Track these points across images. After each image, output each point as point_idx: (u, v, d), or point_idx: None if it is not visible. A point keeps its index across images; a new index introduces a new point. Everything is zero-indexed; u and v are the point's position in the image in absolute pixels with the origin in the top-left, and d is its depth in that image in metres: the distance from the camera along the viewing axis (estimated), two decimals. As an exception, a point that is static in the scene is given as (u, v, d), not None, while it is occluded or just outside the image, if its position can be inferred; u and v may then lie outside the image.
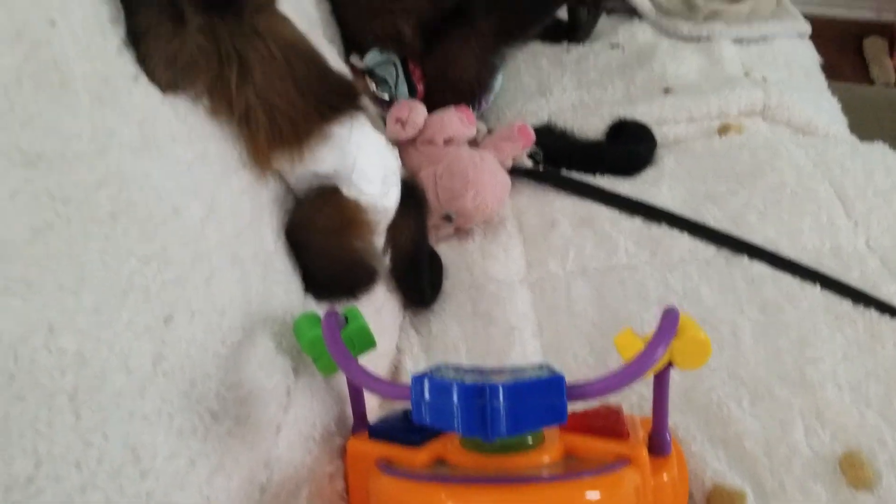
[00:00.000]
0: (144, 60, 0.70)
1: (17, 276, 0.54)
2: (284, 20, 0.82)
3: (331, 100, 0.83)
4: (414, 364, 0.97)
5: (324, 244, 0.88)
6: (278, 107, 0.79)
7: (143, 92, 0.68)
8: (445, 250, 1.13)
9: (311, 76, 0.81)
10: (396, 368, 0.98)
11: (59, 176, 0.58)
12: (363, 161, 0.86)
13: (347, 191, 0.86)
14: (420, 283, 1.03)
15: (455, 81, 1.27)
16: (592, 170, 1.23)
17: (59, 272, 0.56)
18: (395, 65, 1.27)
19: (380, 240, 0.93)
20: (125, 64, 0.67)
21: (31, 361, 0.53)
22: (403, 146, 1.19)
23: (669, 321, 0.63)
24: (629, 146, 1.29)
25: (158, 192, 0.66)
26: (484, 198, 1.10)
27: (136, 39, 0.70)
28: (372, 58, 1.27)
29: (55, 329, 0.55)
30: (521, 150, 1.20)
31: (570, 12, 1.53)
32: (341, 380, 0.81)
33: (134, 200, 0.63)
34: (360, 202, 0.87)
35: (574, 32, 1.52)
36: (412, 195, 0.97)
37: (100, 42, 0.65)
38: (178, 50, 0.72)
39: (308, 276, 0.88)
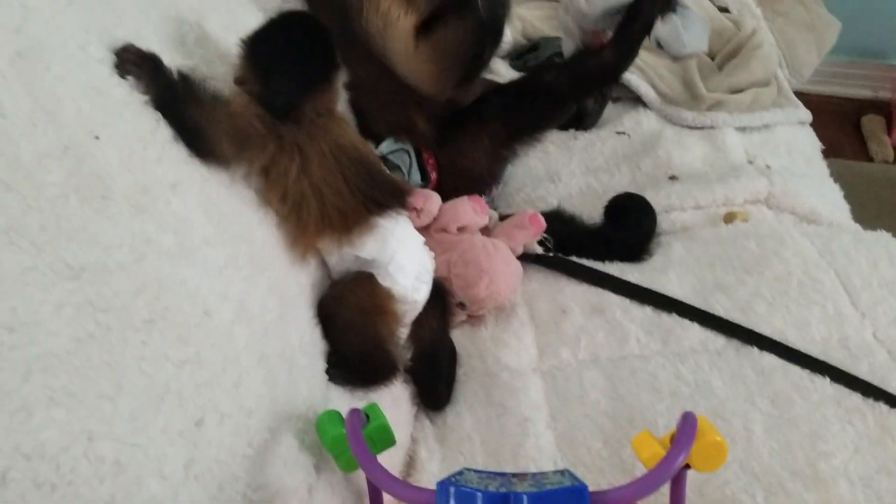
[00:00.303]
0: (208, 133, 0.77)
1: (60, 387, 0.56)
2: (343, 123, 0.92)
3: (378, 197, 0.90)
4: (429, 454, 0.98)
5: (351, 321, 0.93)
6: (329, 198, 0.87)
7: (181, 199, 0.70)
8: (458, 337, 1.15)
9: (361, 175, 0.89)
10: (411, 458, 0.99)
11: (100, 286, 0.61)
12: (401, 255, 0.93)
13: (382, 279, 0.92)
14: (436, 383, 1.04)
15: (467, 173, 1.29)
16: (601, 257, 1.26)
17: (98, 381, 0.58)
18: (408, 153, 1.30)
19: (404, 332, 0.96)
20: (164, 173, 0.70)
21: (72, 471, 0.55)
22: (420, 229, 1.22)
23: (689, 427, 0.65)
24: (632, 230, 1.32)
25: (192, 296, 0.68)
26: (497, 286, 1.13)
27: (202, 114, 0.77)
28: (386, 146, 1.31)
29: (94, 437, 0.57)
30: (533, 238, 1.23)
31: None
32: (361, 475, 0.82)
33: (169, 306, 0.65)
34: (392, 291, 0.92)
35: (581, 120, 1.56)
36: (440, 295, 1.01)
37: (140, 153, 0.69)
38: (241, 127, 0.80)
39: (332, 355, 0.92)
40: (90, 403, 0.57)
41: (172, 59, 0.77)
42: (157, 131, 0.71)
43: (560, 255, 1.27)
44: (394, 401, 0.98)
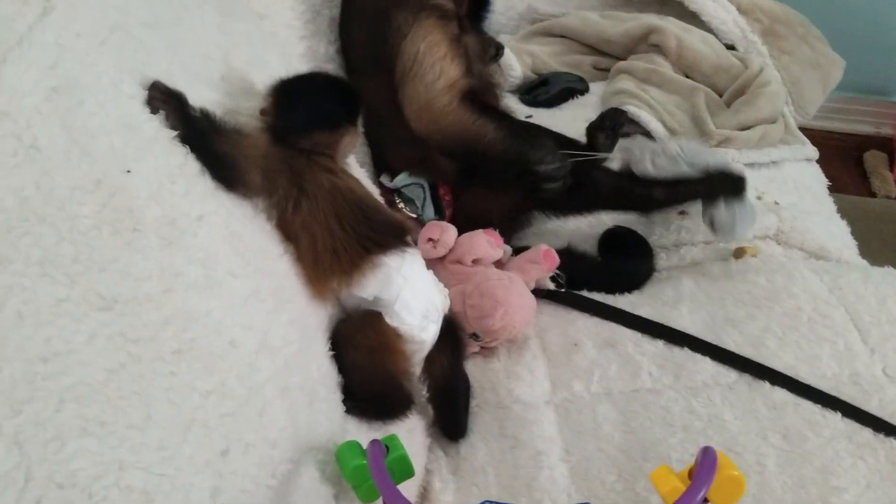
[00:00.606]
0: (237, 163, 0.80)
1: (92, 417, 0.57)
2: (344, 168, 0.94)
3: (376, 237, 0.90)
4: (443, 485, 0.99)
5: (360, 361, 0.93)
6: (320, 237, 0.87)
7: (207, 232, 0.72)
8: (470, 369, 1.15)
9: (356, 215, 0.89)
10: (425, 489, 1.00)
11: (131, 317, 0.62)
12: (407, 293, 0.92)
13: (389, 318, 0.91)
14: (455, 417, 1.05)
15: (481, 219, 1.29)
16: (611, 290, 1.27)
17: (129, 410, 0.59)
18: (422, 187, 1.32)
19: (416, 370, 0.97)
20: (191, 206, 0.71)
21: (104, 500, 0.56)
22: (431, 264, 1.23)
23: (709, 462, 0.66)
24: (632, 260, 1.34)
25: (218, 328, 0.69)
26: (512, 318, 1.14)
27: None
28: (401, 179, 1.33)
29: (124, 467, 0.58)
30: (546, 274, 1.24)
31: (589, 136, 1.59)
32: (378, 506, 0.83)
33: (196, 337, 0.67)
34: (399, 331, 0.92)
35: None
36: (452, 331, 1.01)
37: (168, 186, 0.70)
38: (266, 160, 0.83)
39: (347, 388, 0.92)
40: (121, 433, 0.58)
41: (200, 94, 0.78)
42: (184, 166, 0.73)
43: (571, 290, 1.28)
44: (408, 432, 0.98)
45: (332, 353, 0.91)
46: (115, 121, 0.68)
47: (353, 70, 1.37)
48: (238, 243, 0.76)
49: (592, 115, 1.64)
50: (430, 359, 0.99)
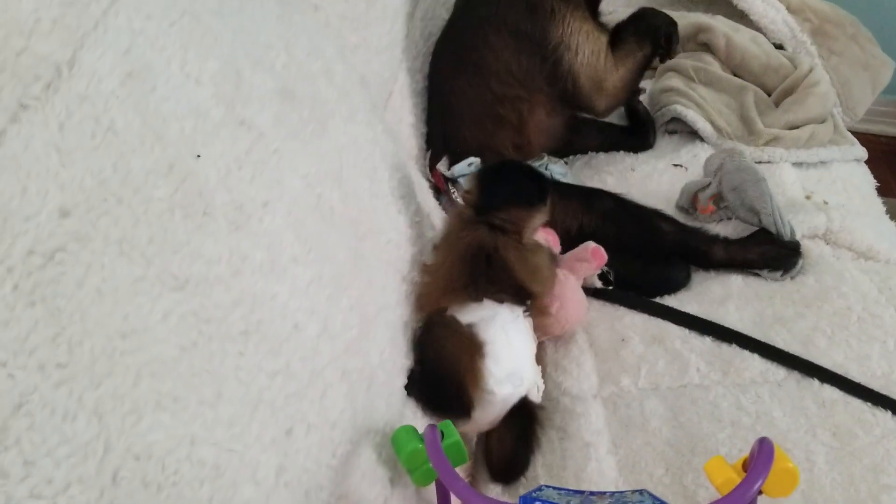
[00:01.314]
0: None
1: (167, 392, 0.59)
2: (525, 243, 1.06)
3: (495, 288, 1.00)
4: (488, 476, 1.00)
5: (442, 355, 0.94)
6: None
7: (271, 218, 0.73)
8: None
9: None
10: (473, 479, 1.01)
11: (202, 297, 0.64)
12: (498, 345, 0.96)
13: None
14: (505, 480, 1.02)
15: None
16: (656, 292, 1.28)
17: (200, 387, 0.61)
18: None
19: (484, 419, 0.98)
20: (257, 191, 0.73)
21: (176, 472, 0.58)
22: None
23: (766, 453, 0.66)
24: (668, 268, 1.34)
25: (282, 311, 0.71)
26: (567, 311, 1.15)
27: None
28: (459, 169, 1.34)
29: (196, 442, 0.59)
30: (594, 272, 1.24)
31: (630, 114, 1.62)
32: (431, 491, 0.84)
33: (262, 319, 0.68)
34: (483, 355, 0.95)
35: (645, 138, 1.62)
36: (527, 419, 1.00)
37: (235, 172, 0.72)
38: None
39: (413, 371, 0.95)
40: (193, 409, 0.60)
41: (263, 81, 0.80)
42: (250, 152, 0.74)
43: (618, 288, 1.29)
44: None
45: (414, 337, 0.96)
46: (186, 106, 0.70)
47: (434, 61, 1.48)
48: (301, 230, 0.77)
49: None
50: (495, 435, 0.99)
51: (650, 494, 0.66)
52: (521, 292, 1.02)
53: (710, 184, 1.37)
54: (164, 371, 0.59)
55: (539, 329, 1.14)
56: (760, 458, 0.66)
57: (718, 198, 1.36)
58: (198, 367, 0.61)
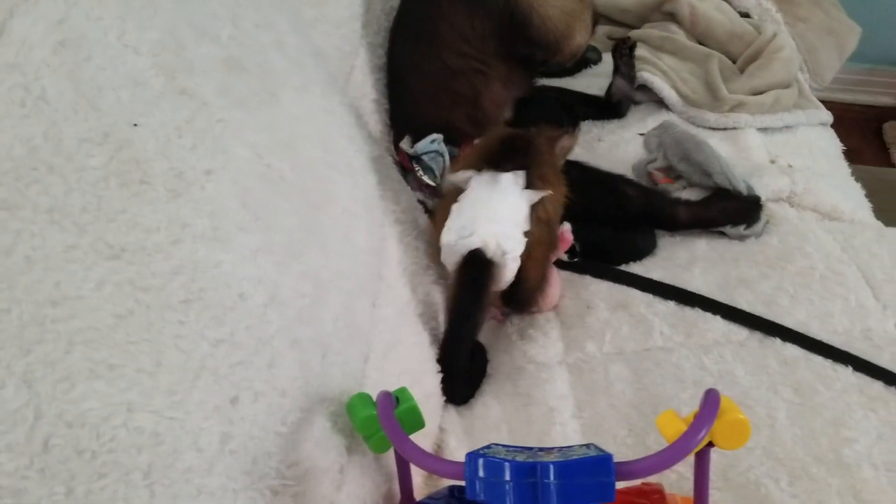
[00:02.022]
0: None
1: (101, 360, 0.58)
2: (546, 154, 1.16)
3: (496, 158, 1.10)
4: (457, 443, 1.00)
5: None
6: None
7: (215, 186, 0.72)
8: (485, 332, 1.17)
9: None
10: (440, 447, 1.01)
11: (139, 266, 0.63)
12: (467, 200, 1.06)
13: None
14: (450, 374, 1.04)
15: None
16: (615, 261, 1.28)
17: (138, 356, 0.60)
18: (443, 156, 1.33)
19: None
20: (198, 160, 0.72)
21: (112, 440, 0.57)
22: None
23: (711, 403, 0.66)
24: (635, 236, 1.34)
25: (227, 280, 0.70)
26: (547, 295, 1.17)
27: None
28: (422, 146, 1.33)
29: (134, 409, 0.59)
30: (560, 254, 1.24)
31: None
32: (390, 458, 0.84)
33: (205, 287, 0.67)
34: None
35: (617, 108, 1.61)
36: (476, 271, 1.03)
37: (176, 140, 0.70)
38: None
39: None
40: (130, 377, 0.59)
41: (208, 51, 0.79)
42: (192, 121, 0.73)
43: (584, 259, 1.28)
44: (425, 396, 0.99)
45: None
46: (123, 75, 0.69)
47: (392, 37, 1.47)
48: (247, 198, 0.76)
49: (606, 84, 1.65)
50: (451, 283, 1.07)
51: (596, 447, 0.65)
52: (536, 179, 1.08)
53: (656, 158, 1.37)
54: (98, 339, 0.58)
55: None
56: (705, 407, 0.66)
57: (670, 170, 1.37)
58: (135, 336, 0.61)
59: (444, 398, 1.05)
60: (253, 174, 0.79)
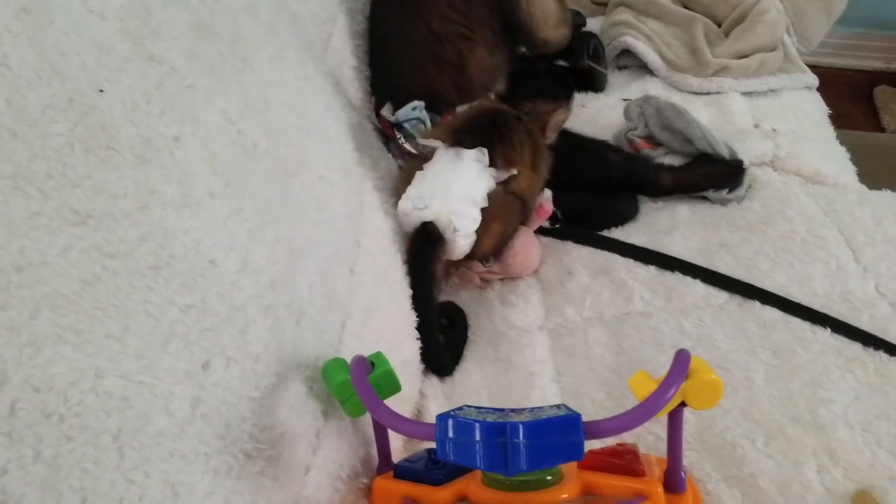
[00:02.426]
0: None
1: (68, 326, 0.58)
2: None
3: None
4: (438, 408, 1.00)
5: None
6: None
7: (184, 151, 0.72)
8: (466, 299, 1.18)
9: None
10: (420, 412, 1.02)
11: (105, 232, 0.63)
12: (429, 172, 1.09)
13: None
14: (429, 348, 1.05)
15: None
16: (597, 227, 1.28)
17: (106, 321, 0.60)
18: (424, 123, 1.32)
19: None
20: (167, 126, 0.71)
21: (80, 404, 0.57)
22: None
23: (681, 363, 0.67)
24: (617, 201, 1.34)
25: (197, 246, 0.70)
26: (522, 260, 1.18)
27: None
28: (404, 113, 1.32)
29: (102, 374, 0.59)
30: (542, 222, 1.24)
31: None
32: (368, 422, 0.84)
33: (174, 253, 0.67)
34: None
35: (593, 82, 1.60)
36: (425, 243, 1.06)
37: (143, 106, 0.70)
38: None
39: None
40: (97, 342, 0.59)
41: (176, 16, 0.78)
42: (160, 86, 0.73)
43: (566, 224, 1.28)
44: (403, 362, 1.00)
45: None
46: (88, 41, 0.68)
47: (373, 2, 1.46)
48: (218, 164, 0.76)
49: (590, 48, 1.64)
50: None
51: (566, 407, 0.66)
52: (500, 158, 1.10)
53: (635, 127, 1.37)
54: (64, 305, 0.58)
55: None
56: (675, 367, 0.66)
57: (650, 139, 1.37)
58: (102, 301, 0.60)
59: (423, 364, 1.05)
60: (224, 140, 0.79)
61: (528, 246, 1.19)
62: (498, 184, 1.09)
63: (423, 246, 1.06)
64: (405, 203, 1.07)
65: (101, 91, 0.67)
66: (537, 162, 1.16)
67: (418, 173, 1.09)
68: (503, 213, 1.11)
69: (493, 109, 1.17)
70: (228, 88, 0.83)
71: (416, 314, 1.04)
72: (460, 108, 1.33)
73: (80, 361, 0.58)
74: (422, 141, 1.16)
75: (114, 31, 0.72)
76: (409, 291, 1.05)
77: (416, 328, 1.04)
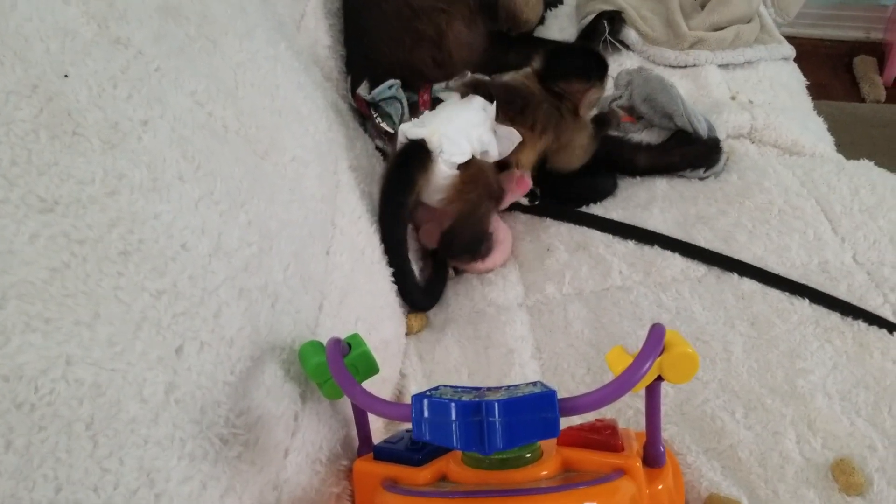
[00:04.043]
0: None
1: (36, 314, 0.57)
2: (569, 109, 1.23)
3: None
4: (418, 388, 1.00)
5: None
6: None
7: (152, 135, 0.71)
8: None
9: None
10: (400, 392, 1.02)
11: (74, 219, 0.62)
12: (440, 106, 1.17)
13: None
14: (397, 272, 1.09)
15: None
16: (577, 202, 1.28)
17: (75, 308, 0.60)
18: (401, 103, 1.31)
19: None
20: (134, 110, 0.70)
21: (51, 392, 0.56)
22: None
23: (655, 337, 0.66)
24: (596, 177, 1.34)
25: (168, 230, 0.69)
26: (496, 256, 1.19)
27: None
28: (380, 92, 1.31)
29: (72, 361, 0.58)
30: (519, 197, 1.24)
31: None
32: (347, 404, 0.84)
33: (144, 239, 0.66)
34: None
35: None
36: (411, 156, 1.11)
37: (110, 91, 0.69)
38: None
39: None
40: (67, 329, 0.59)
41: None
42: (127, 70, 0.72)
43: (545, 200, 1.28)
44: (383, 342, 1.00)
45: None
46: (51, 25, 0.67)
47: None
48: (187, 148, 0.75)
49: (567, 25, 1.64)
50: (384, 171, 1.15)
51: (542, 384, 0.66)
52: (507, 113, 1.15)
53: (621, 95, 1.37)
54: (33, 293, 0.57)
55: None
56: (649, 341, 0.66)
57: (631, 110, 1.37)
58: (71, 288, 0.60)
59: (404, 345, 1.05)
60: (193, 123, 0.78)
61: (498, 239, 1.20)
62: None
63: (408, 157, 1.11)
64: (406, 125, 1.13)
65: (66, 76, 0.67)
66: (562, 138, 1.21)
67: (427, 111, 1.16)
68: (482, 182, 1.14)
69: (518, 87, 1.20)
70: (197, 70, 0.82)
71: (383, 233, 1.09)
72: (437, 86, 1.32)
73: (50, 349, 0.57)
74: (437, 87, 1.25)
75: (78, 15, 0.71)
76: (381, 237, 1.08)
77: (383, 247, 1.08)
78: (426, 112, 1.17)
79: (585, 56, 1.28)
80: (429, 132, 1.10)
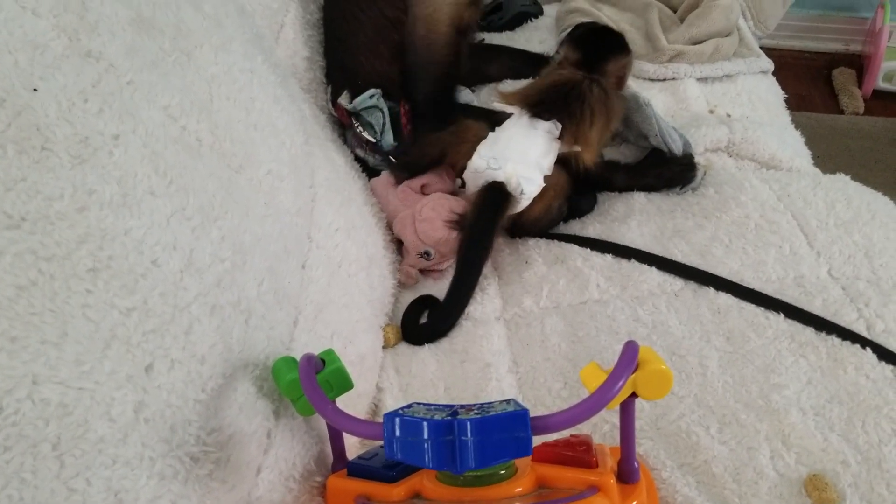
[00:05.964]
0: None
1: (2, 332, 0.57)
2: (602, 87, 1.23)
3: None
4: (394, 402, 1.00)
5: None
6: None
7: (123, 150, 0.70)
8: (423, 291, 1.17)
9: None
10: (377, 406, 1.01)
11: (41, 235, 0.61)
12: (502, 135, 1.18)
13: None
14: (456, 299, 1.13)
15: None
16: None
17: (42, 327, 0.59)
18: (382, 112, 1.31)
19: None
20: (105, 124, 0.70)
21: (16, 412, 0.56)
22: (382, 187, 1.25)
23: (629, 354, 0.66)
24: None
25: (137, 246, 0.68)
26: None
27: None
28: (361, 101, 1.31)
29: (39, 381, 0.57)
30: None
31: None
32: (321, 420, 0.84)
33: (114, 255, 0.66)
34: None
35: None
36: (495, 199, 1.15)
37: (80, 105, 0.68)
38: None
39: None
40: (33, 348, 0.58)
41: (115, 11, 0.77)
42: (98, 84, 0.71)
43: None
44: (359, 357, 0.99)
45: None
46: (20, 38, 0.66)
47: None
48: (159, 163, 0.74)
49: (547, 37, 1.64)
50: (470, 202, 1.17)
51: (515, 402, 0.65)
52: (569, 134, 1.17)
53: None
54: (-2, 311, 0.57)
55: (438, 253, 1.17)
56: (623, 358, 0.66)
57: None
58: (38, 306, 0.59)
59: (381, 359, 1.05)
60: (166, 138, 0.77)
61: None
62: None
63: (493, 201, 1.14)
64: (478, 160, 1.16)
65: (35, 90, 0.66)
66: (608, 125, 1.22)
67: (491, 134, 1.18)
68: (555, 185, 1.19)
69: (566, 81, 1.21)
70: (170, 84, 0.81)
71: (463, 268, 1.14)
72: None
73: (16, 369, 0.56)
74: (496, 105, 1.24)
75: (48, 28, 0.70)
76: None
77: (456, 282, 1.12)
78: (495, 138, 1.18)
79: (609, 33, 1.31)
80: (507, 176, 1.13)
